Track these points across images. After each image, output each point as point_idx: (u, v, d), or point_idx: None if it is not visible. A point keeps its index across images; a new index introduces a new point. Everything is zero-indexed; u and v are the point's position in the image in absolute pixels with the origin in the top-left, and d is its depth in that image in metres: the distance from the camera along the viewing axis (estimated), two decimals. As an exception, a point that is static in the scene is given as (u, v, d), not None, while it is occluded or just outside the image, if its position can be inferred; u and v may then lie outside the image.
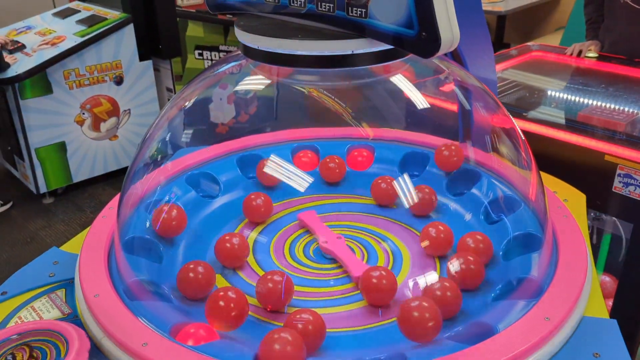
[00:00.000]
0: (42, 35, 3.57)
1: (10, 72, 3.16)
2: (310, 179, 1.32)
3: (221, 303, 1.02)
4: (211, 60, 4.05)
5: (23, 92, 3.20)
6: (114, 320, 0.97)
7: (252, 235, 1.39)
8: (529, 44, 2.84)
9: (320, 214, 1.44)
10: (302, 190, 1.30)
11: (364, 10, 0.96)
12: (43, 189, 3.48)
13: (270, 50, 1.02)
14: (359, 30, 0.99)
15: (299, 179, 1.34)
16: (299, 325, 0.97)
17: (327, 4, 1.00)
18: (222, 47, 4.05)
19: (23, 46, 3.44)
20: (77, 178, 3.60)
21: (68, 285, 1.14)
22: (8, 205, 3.50)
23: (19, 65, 3.22)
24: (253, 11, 1.18)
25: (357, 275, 1.16)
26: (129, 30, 3.51)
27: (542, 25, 5.56)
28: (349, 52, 1.01)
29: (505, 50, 2.77)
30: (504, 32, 5.31)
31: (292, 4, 1.07)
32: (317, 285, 1.20)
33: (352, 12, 0.98)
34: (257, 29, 1.05)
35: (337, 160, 1.60)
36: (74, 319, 1.04)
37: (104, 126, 3.60)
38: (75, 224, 3.32)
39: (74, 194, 3.63)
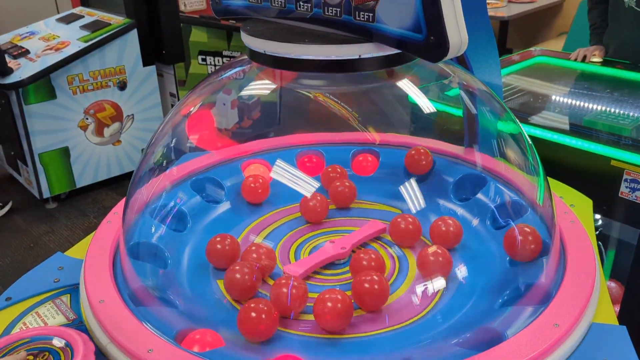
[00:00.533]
0: (46, 40, 3.58)
1: (14, 78, 3.16)
2: (316, 184, 1.31)
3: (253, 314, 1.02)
4: (214, 65, 4.06)
5: (27, 98, 3.21)
6: (119, 326, 0.97)
7: (257, 240, 1.38)
8: (531, 49, 2.83)
9: (325, 219, 1.43)
10: (308, 195, 1.30)
11: (371, 14, 0.95)
12: (46, 194, 3.48)
13: (277, 55, 1.02)
14: (366, 34, 0.98)
15: (304, 184, 1.33)
16: (329, 305, 1.03)
17: (334, 9, 1.00)
18: (225, 53, 4.05)
19: (27, 51, 3.45)
20: (80, 183, 3.60)
21: (73, 290, 1.13)
22: (8, 206, 3.48)
23: (22, 70, 3.22)
24: (259, 16, 1.18)
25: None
26: (133, 35, 3.51)
27: (545, 30, 5.56)
28: (356, 57, 1.01)
29: (508, 55, 2.76)
30: (507, 38, 5.32)
31: (298, 9, 1.07)
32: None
33: (359, 16, 0.97)
34: (263, 34, 1.05)
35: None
36: (79, 324, 1.03)
37: (107, 131, 3.60)
38: (79, 229, 3.31)
39: (77, 199, 3.63)
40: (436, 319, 1.09)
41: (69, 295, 1.12)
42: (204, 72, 4.01)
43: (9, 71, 3.19)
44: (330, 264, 1.27)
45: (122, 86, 3.58)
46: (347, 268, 1.24)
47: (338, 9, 0.99)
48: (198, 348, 0.97)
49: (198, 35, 3.95)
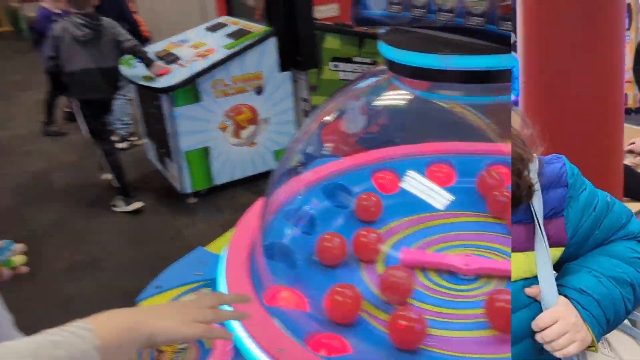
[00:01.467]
0: (195, 48, 3.88)
1: (165, 82, 3.47)
2: (450, 197, 1.29)
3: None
4: (345, 71, 4.12)
5: (175, 100, 3.50)
6: (254, 323, 1.02)
7: (384, 249, 1.38)
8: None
9: (438, 235, 1.39)
10: (441, 207, 1.28)
11: (517, 24, 0.92)
12: (188, 190, 3.77)
13: (416, 65, 1.02)
14: (507, 44, 0.95)
15: (436, 195, 1.31)
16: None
17: (477, 18, 0.97)
18: (356, 59, 4.10)
19: (177, 58, 3.76)
20: (218, 181, 3.85)
21: (213, 284, 1.22)
22: (136, 205, 3.72)
23: (173, 76, 3.52)
24: (394, 23, 1.18)
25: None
26: (271, 43, 3.69)
27: None
28: (495, 68, 0.97)
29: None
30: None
31: (439, 18, 1.06)
32: (452, 306, 1.16)
33: (503, 26, 0.94)
34: (402, 44, 1.05)
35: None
36: (218, 317, 1.10)
37: (244, 133, 3.82)
38: (215, 224, 3.53)
39: (215, 196, 3.88)
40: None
41: (209, 288, 1.21)
42: (336, 78, 4.09)
43: (150, 61, 3.51)
44: (455, 280, 1.23)
45: (259, 91, 3.77)
46: (470, 286, 1.21)
47: (482, 19, 0.97)
48: (325, 352, 0.99)
49: (332, 42, 4.04)
